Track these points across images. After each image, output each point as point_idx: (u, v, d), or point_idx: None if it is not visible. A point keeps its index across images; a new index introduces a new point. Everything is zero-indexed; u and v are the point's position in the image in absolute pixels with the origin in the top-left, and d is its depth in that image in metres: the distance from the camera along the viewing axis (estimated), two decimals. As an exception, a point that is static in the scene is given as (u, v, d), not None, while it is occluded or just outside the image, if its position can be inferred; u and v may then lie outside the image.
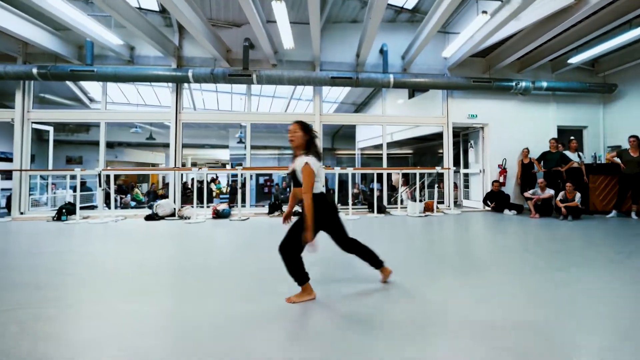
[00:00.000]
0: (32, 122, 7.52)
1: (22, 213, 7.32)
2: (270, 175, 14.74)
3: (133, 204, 10.59)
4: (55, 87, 8.86)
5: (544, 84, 7.90)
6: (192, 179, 8.94)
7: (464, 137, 9.24)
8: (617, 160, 6.84)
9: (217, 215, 6.92)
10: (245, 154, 8.11)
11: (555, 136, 8.00)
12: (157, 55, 7.49)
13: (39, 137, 7.56)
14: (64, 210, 6.74)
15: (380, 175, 9.29)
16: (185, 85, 8.00)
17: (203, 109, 10.49)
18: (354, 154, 14.23)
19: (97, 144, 7.81)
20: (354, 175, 10.48)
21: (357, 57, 7.80)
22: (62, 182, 10.01)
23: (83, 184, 10.42)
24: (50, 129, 8.05)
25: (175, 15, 5.43)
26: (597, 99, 8.58)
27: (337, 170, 7.39)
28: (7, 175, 7.80)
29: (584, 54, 7.25)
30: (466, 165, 9.15)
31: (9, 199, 7.55)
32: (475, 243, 4.49)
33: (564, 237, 4.70)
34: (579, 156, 7.36)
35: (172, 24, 7.50)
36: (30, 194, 7.84)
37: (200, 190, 8.41)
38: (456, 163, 8.98)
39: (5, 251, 4.09)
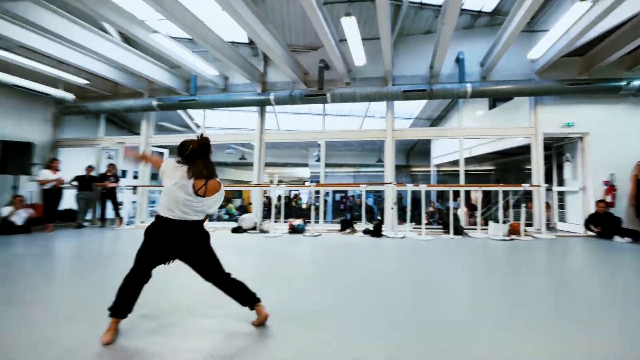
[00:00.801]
0: (152, 146, 9.05)
1: (142, 222, 8.77)
2: (345, 192, 14.94)
3: (226, 217, 11.92)
4: (171, 116, 10.57)
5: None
6: (269, 197, 9.63)
7: (557, 149, 8.08)
8: None
9: (293, 230, 7.19)
10: (325, 170, 8.44)
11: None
12: (245, 83, 8.41)
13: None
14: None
15: (458, 194, 8.54)
16: (270, 108, 8.73)
17: (285, 130, 11.30)
18: (429, 171, 13.52)
19: None
20: (428, 193, 9.94)
21: (431, 69, 7.56)
22: None
23: None
24: (166, 151, 9.58)
25: (258, 44, 6.05)
26: None
27: (410, 187, 7.12)
28: (135, 190, 9.48)
29: None
30: (561, 183, 7.93)
31: (135, 210, 9.17)
32: (578, 280, 3.43)
33: None
34: None
35: (258, 53, 8.35)
36: (149, 206, 9.36)
37: (278, 205, 8.96)
38: (548, 180, 7.77)
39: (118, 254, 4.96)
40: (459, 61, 7.37)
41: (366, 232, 6.95)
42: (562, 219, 7.79)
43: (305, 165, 16.57)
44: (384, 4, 4.85)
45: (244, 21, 5.25)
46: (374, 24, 7.38)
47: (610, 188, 6.75)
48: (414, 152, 16.13)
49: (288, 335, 2.02)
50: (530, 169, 7.51)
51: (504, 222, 6.65)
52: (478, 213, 6.97)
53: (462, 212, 7.68)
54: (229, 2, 4.80)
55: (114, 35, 7.27)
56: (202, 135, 2.14)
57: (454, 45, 7.29)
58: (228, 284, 2.12)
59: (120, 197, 8.15)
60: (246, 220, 7.63)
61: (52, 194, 7.52)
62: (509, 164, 12.62)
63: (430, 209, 11.07)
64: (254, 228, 7.54)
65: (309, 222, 7.41)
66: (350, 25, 5.50)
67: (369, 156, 16.28)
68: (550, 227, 7.64)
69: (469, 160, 8.48)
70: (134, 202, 9.32)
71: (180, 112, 10.64)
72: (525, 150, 7.75)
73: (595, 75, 6.94)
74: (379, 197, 15.70)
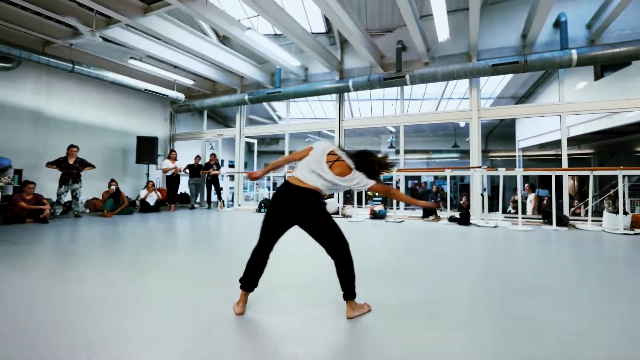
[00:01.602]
0: (245, 137, 10.07)
1: (239, 205, 9.89)
2: (419, 178, 14.26)
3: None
4: (257, 109, 11.57)
5: None
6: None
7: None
8: None
9: (374, 215, 7.25)
10: (395, 159, 8.26)
11: None
12: (324, 72, 8.72)
13: (249, 149, 10.08)
14: (262, 205, 8.71)
15: (555, 181, 7.10)
16: (346, 97, 8.89)
17: (362, 117, 11.30)
18: (513, 156, 11.86)
19: (283, 153, 9.74)
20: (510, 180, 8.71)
21: (524, 38, 6.75)
22: (262, 182, 12.99)
23: (275, 184, 13.20)
24: (255, 141, 10.57)
25: (339, 28, 6.18)
26: None
27: (502, 171, 6.33)
28: (232, 178, 10.71)
29: None
30: None
31: (232, 195, 10.39)
32: None
33: None
34: None
35: (335, 42, 8.55)
36: (243, 191, 10.50)
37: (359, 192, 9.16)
38: None
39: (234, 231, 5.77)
40: (560, 25, 6.39)
41: (452, 219, 6.57)
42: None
43: (378, 152, 16.23)
44: None
45: (327, 5, 5.35)
46: (454, -4, 6.89)
47: None
48: (493, 136, 14.49)
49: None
50: None
51: (625, 214, 5.48)
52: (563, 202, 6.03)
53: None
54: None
55: (212, 36, 8.25)
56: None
57: (552, 7, 6.38)
58: (346, 258, 1.88)
59: (221, 183, 9.31)
60: (329, 204, 7.92)
61: (173, 180, 9.01)
62: (614, 146, 10.44)
63: (516, 197, 9.94)
64: (336, 213, 7.76)
65: (389, 208, 7.37)
66: None
67: (442, 142, 15.28)
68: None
69: (559, 143, 7.20)
70: (231, 187, 10.56)
71: (265, 105, 11.51)
72: (636, 129, 6.36)
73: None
74: (454, 184, 14.69)
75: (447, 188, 7.19)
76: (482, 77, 7.42)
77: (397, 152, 15.79)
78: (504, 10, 7.08)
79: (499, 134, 13.76)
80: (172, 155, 9.11)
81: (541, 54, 6.34)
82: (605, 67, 7.52)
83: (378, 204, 7.70)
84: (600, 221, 5.85)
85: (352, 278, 1.88)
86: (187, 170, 9.24)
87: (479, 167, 6.91)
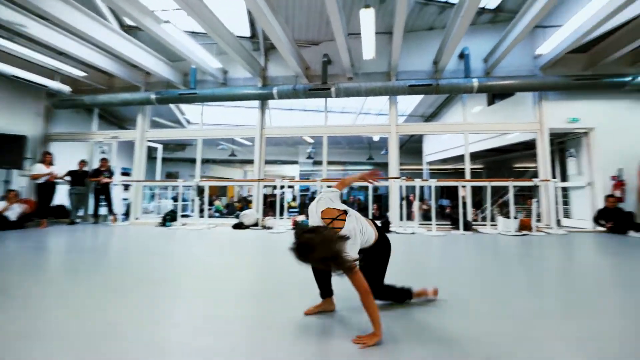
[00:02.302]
0: (147, 141, 8.71)
1: (137, 218, 8.39)
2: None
3: (217, 215, 11.55)
4: (162, 111, 10.23)
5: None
6: (271, 194, 9.17)
7: (559, 145, 7.99)
8: None
9: (297, 226, 7.00)
10: (312, 170, 8.21)
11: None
12: (245, 77, 8.20)
13: (148, 156, 8.73)
14: (167, 217, 7.54)
15: (452, 192, 8.31)
16: (268, 105, 8.50)
17: (285, 126, 11.00)
18: (420, 169, 13.41)
19: (191, 160, 8.75)
20: (411, 189, 9.71)
21: (435, 65, 7.46)
22: (165, 192, 11.42)
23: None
24: (159, 146, 9.24)
25: (269, 34, 5.84)
26: None
27: (419, 182, 6.97)
28: (126, 187, 9.09)
29: None
30: (564, 178, 7.84)
31: (127, 207, 8.79)
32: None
33: None
34: None
35: (260, 47, 8.15)
36: (142, 203, 9.00)
37: (280, 202, 8.71)
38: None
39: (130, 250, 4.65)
40: (464, 57, 7.28)
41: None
42: (566, 215, 7.65)
43: (295, 162, 16.34)
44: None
45: (260, 10, 5.13)
46: (377, 19, 7.22)
47: (619, 183, 6.66)
48: (404, 150, 15.88)
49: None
50: (520, 168, 7.38)
51: (515, 218, 6.46)
52: (464, 210, 6.79)
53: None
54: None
55: (113, 23, 6.98)
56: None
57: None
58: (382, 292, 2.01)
59: (113, 193, 7.78)
60: (248, 216, 7.36)
61: (46, 188, 7.15)
62: (500, 163, 12.57)
63: (424, 206, 10.92)
64: (256, 224, 7.30)
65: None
66: (367, 17, 5.38)
67: (357, 154, 16.12)
68: (558, 224, 7.47)
69: (459, 158, 8.32)
70: (125, 199, 8.95)
71: (172, 107, 10.32)
72: (520, 147, 7.64)
73: (599, 71, 6.89)
74: (367, 195, 15.54)
75: (370, 198, 7.32)
76: (399, 96, 7.90)
77: (315, 163, 16.10)
78: (420, 38, 7.75)
79: (409, 148, 15.09)
80: (46, 159, 7.28)
81: (449, 80, 7.07)
82: (495, 95, 8.86)
83: (299, 215, 7.46)
84: (496, 225, 6.68)
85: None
86: (68, 178, 7.46)
87: (398, 178, 7.23)
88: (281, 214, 7.03)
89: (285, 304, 2.18)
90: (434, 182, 6.76)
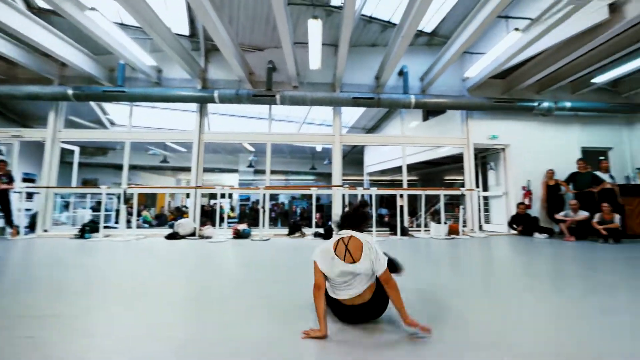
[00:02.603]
0: (61, 142, 7.57)
1: (45, 231, 7.21)
2: (277, 200, 14.53)
3: (146, 225, 10.49)
4: (81, 111, 9.01)
5: (568, 104, 7.68)
6: (209, 205, 8.61)
7: (482, 159, 8.94)
8: (653, 179, 6.42)
9: (238, 235, 6.74)
10: (253, 179, 7.98)
11: (580, 157, 7.64)
12: (182, 78, 7.64)
13: (60, 160, 7.57)
14: (87, 228, 6.62)
15: (390, 201, 8.83)
16: (207, 110, 8.03)
17: (227, 132, 10.49)
18: (361, 180, 13.99)
19: (113, 166, 7.84)
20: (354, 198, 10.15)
21: (377, 79, 7.79)
22: (82, 202, 10.01)
23: (98, 203, 10.55)
24: (76, 149, 8.11)
25: (213, 34, 5.55)
26: (621, 120, 8.31)
27: (360, 190, 7.18)
28: (29, 195, 7.76)
29: (609, 73, 7.08)
30: (485, 188, 8.80)
31: (32, 218, 7.49)
32: (526, 266, 3.97)
33: (616, 259, 4.28)
34: (611, 177, 6.97)
35: (200, 48, 7.67)
36: (53, 213, 7.77)
37: (220, 210, 8.25)
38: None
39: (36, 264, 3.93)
40: (403, 74, 7.74)
41: (317, 235, 6.95)
42: (487, 220, 8.55)
43: (234, 171, 15.75)
44: (351, 13, 4.94)
45: (203, 9, 4.83)
46: (324, 31, 7.32)
47: (528, 192, 7.68)
48: (346, 161, 16.35)
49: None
50: (449, 180, 8.11)
51: (445, 224, 7.08)
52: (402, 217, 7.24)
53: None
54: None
55: (18, 3, 5.95)
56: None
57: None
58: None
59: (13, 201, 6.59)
60: (183, 225, 6.84)
61: None
62: (432, 175, 13.68)
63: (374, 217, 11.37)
64: (193, 234, 6.81)
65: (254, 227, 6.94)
66: (315, 28, 5.44)
67: (300, 164, 16.16)
68: (480, 229, 8.31)
69: (397, 170, 8.91)
70: (28, 209, 7.65)
71: (93, 105, 9.18)
72: (449, 160, 8.38)
73: (514, 96, 7.88)
74: (310, 204, 15.64)
75: (313, 207, 7.31)
76: (343, 107, 8.08)
77: (256, 172, 15.61)
78: (363, 53, 8.05)
79: (350, 160, 15.51)
80: None
81: (389, 95, 7.46)
82: (429, 111, 9.57)
83: (243, 224, 7.15)
84: (429, 230, 7.25)
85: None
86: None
87: (341, 186, 7.37)
88: (221, 223, 6.63)
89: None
90: (374, 191, 7.03)
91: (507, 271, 3.64)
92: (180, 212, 12.11)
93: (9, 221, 6.46)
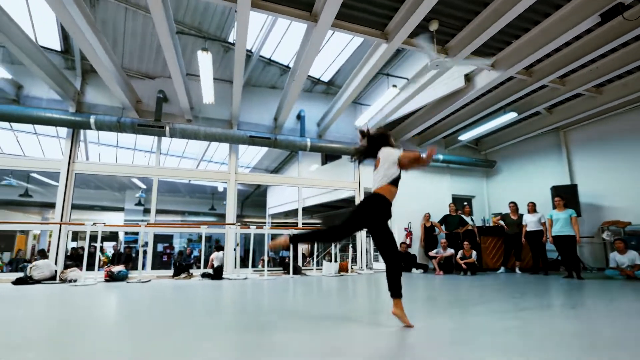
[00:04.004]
0: None
1: None
2: (170, 242, 13.32)
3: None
4: None
5: (441, 157, 8.95)
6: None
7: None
8: (502, 222, 7.69)
9: (112, 277, 5.88)
10: (142, 219, 7.25)
11: (451, 202, 8.82)
12: (50, 98, 6.72)
13: None
14: None
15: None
16: (81, 137, 7.12)
17: (100, 162, 9.33)
18: (264, 222, 13.88)
19: None
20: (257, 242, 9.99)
21: (275, 120, 8.00)
22: None
23: None
24: None
25: (88, 55, 5.09)
26: (481, 173, 10.00)
27: (254, 229, 6.97)
28: None
29: (471, 132, 8.53)
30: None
31: None
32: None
33: (471, 287, 4.90)
34: (472, 219, 8.13)
35: (75, 67, 6.90)
36: None
37: (92, 253, 7.10)
38: None
39: None
40: (300, 118, 8.12)
41: (205, 275, 6.47)
42: (376, 259, 9.11)
43: (120, 209, 14.11)
44: (242, 47, 5.01)
45: (74, 25, 4.41)
46: (222, 66, 7.33)
47: (409, 233, 8.51)
48: (248, 203, 16.21)
49: None
50: None
51: (335, 262, 7.40)
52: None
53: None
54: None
55: None
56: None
57: (296, 104, 8.00)
58: (395, 263, 2.33)
59: None
60: (40, 267, 5.67)
61: None
62: (334, 216, 14.22)
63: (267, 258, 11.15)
64: (52, 277, 5.73)
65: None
66: (205, 61, 5.42)
67: (199, 204, 15.34)
68: (368, 267, 8.78)
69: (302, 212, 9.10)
70: None
71: None
72: (346, 204, 8.88)
73: (400, 147, 8.80)
74: (209, 246, 14.71)
75: (203, 242, 6.85)
76: (242, 146, 7.99)
77: (146, 211, 14.01)
78: (262, 94, 8.28)
79: (253, 202, 15.19)
80: None
81: (287, 136, 7.70)
82: (328, 156, 10.09)
83: (119, 265, 6.30)
84: (321, 269, 7.52)
85: (397, 280, 2.29)
86: None
87: (233, 224, 7.12)
88: (91, 265, 5.67)
89: None
90: (267, 230, 6.96)
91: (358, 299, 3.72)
92: (45, 255, 9.99)
93: None
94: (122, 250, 10.21)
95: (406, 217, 8.65)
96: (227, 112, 7.73)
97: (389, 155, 2.43)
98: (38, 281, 5.53)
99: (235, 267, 7.27)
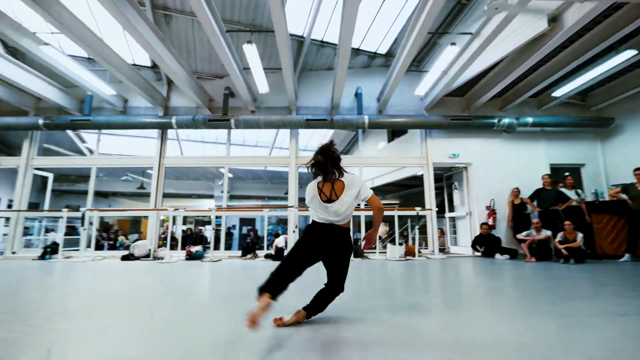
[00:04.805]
0: (34, 168, 8.08)
1: (14, 252, 7.56)
2: (253, 225, 14.53)
3: (121, 249, 10.81)
4: (59, 139, 9.70)
5: (530, 120, 7.50)
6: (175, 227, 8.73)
7: (448, 180, 8.75)
8: (623, 196, 6.00)
9: (190, 256, 6.91)
10: (228, 204, 8.11)
11: (547, 173, 7.27)
12: (146, 106, 8.15)
13: (43, 187, 8.06)
14: (48, 250, 6.94)
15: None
16: (173, 134, 8.42)
17: (185, 156, 10.79)
18: None
19: (97, 193, 8.18)
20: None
21: (332, 102, 7.91)
22: (55, 225, 10.52)
23: (73, 228, 10.94)
24: (50, 175, 8.61)
25: (162, 67, 6.11)
26: (593, 135, 7.96)
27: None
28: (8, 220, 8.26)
29: (569, 84, 6.89)
30: (452, 210, 8.55)
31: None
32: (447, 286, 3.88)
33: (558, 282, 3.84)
34: (577, 194, 6.60)
35: (162, 77, 8.18)
36: (29, 235, 8.16)
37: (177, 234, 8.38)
38: (443, 209, 8.54)
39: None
40: (358, 95, 7.84)
41: (268, 256, 7.02)
42: (455, 243, 8.16)
43: (211, 197, 16.22)
44: (284, 38, 5.21)
45: (145, 42, 5.32)
46: (273, 56, 7.67)
47: (492, 212, 7.38)
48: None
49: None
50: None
51: (400, 244, 6.89)
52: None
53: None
54: (129, 22, 4.85)
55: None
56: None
57: (354, 81, 7.92)
58: (334, 293, 2.19)
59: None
60: (139, 247, 7.14)
61: None
62: (411, 196, 13.28)
63: None
64: (147, 255, 7.05)
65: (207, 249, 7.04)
66: (251, 53, 5.77)
67: (277, 189, 16.30)
68: (444, 251, 7.99)
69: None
70: (5, 234, 8.09)
71: (71, 135, 9.81)
72: (420, 182, 8.19)
73: (474, 113, 7.75)
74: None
75: (265, 226, 7.31)
76: (308, 130, 8.22)
77: (232, 197, 15.91)
78: (319, 77, 8.40)
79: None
80: None
81: (343, 116, 7.59)
82: (394, 132, 9.54)
83: (197, 246, 7.27)
84: (385, 252, 7.08)
85: (324, 303, 2.17)
86: None
87: (292, 207, 7.34)
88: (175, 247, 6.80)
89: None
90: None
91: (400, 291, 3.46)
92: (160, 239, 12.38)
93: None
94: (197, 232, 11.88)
95: (488, 194, 7.51)
96: (286, 99, 8.07)
97: (359, 188, 2.14)
98: (137, 258, 6.86)
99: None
